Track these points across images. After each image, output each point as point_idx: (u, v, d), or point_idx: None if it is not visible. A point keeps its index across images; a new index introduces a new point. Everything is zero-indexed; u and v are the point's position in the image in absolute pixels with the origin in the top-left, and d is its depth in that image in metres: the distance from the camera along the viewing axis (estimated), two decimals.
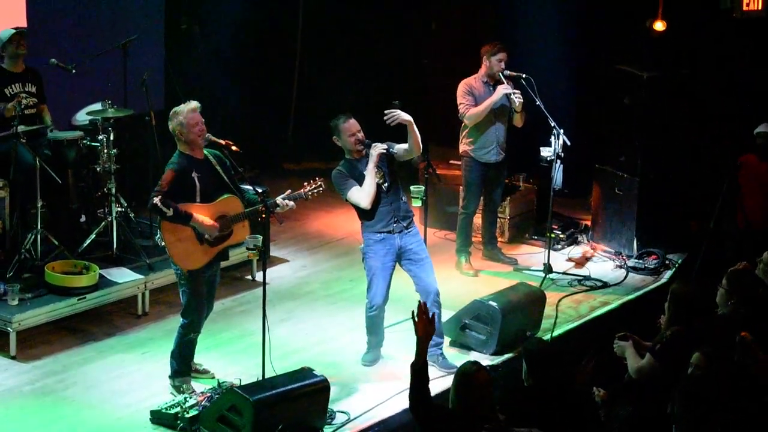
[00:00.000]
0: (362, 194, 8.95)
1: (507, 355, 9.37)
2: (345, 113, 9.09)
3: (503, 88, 11.00)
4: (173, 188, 8.27)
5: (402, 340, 9.52)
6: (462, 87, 11.17)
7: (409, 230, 9.19)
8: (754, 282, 8.40)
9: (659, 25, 11.73)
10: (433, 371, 9.17)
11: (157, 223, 8.59)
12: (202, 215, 8.36)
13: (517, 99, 10.96)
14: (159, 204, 8.17)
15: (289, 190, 8.71)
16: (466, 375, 6.54)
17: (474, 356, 9.39)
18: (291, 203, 8.63)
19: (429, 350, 9.25)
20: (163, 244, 8.45)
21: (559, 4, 13.44)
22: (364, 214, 9.11)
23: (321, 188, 8.83)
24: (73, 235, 10.64)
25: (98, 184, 10.73)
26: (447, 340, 9.64)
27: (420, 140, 9.09)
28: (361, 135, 9.05)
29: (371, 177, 8.97)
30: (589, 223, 12.60)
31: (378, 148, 9.03)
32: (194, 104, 8.44)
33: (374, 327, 9.32)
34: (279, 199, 8.59)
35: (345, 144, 9.07)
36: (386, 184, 9.06)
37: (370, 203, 8.98)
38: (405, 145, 9.16)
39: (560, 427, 6.80)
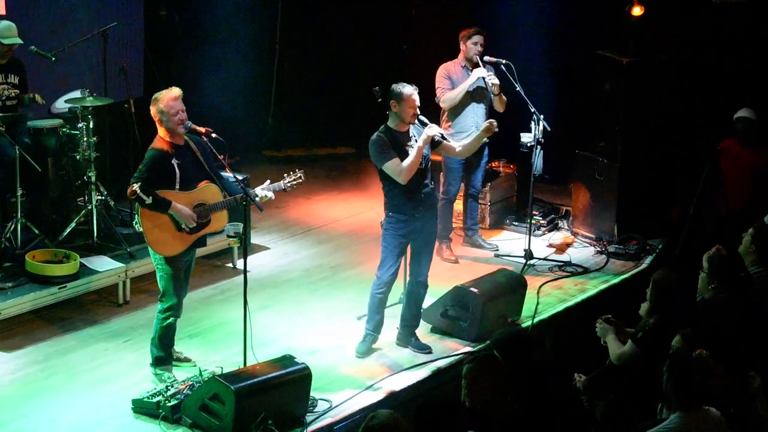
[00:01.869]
0: (403, 168, 8.75)
1: (488, 342, 9.37)
2: (410, 83, 8.93)
3: (478, 71, 10.99)
4: (153, 174, 8.25)
5: (384, 326, 9.51)
6: (440, 71, 11.18)
7: (432, 216, 9.13)
8: (735, 265, 8.41)
9: (637, 10, 11.72)
10: (407, 353, 9.24)
11: (136, 210, 8.56)
12: (181, 204, 8.34)
13: (491, 81, 10.96)
14: (139, 191, 8.14)
15: (268, 181, 8.68)
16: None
17: (455, 343, 9.44)
18: (270, 194, 8.59)
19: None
20: (140, 229, 8.42)
21: None
22: (392, 191, 8.93)
23: (300, 180, 8.79)
24: (53, 223, 10.61)
25: (78, 173, 10.68)
26: (427, 326, 9.66)
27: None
28: (418, 111, 8.91)
29: (418, 155, 8.77)
30: (569, 208, 12.62)
31: (435, 130, 8.91)
32: (176, 92, 8.36)
33: (377, 307, 9.20)
34: (258, 190, 8.55)
35: (401, 112, 8.85)
36: (422, 167, 8.91)
37: (408, 179, 8.80)
38: (457, 145, 9.14)
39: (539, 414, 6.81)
